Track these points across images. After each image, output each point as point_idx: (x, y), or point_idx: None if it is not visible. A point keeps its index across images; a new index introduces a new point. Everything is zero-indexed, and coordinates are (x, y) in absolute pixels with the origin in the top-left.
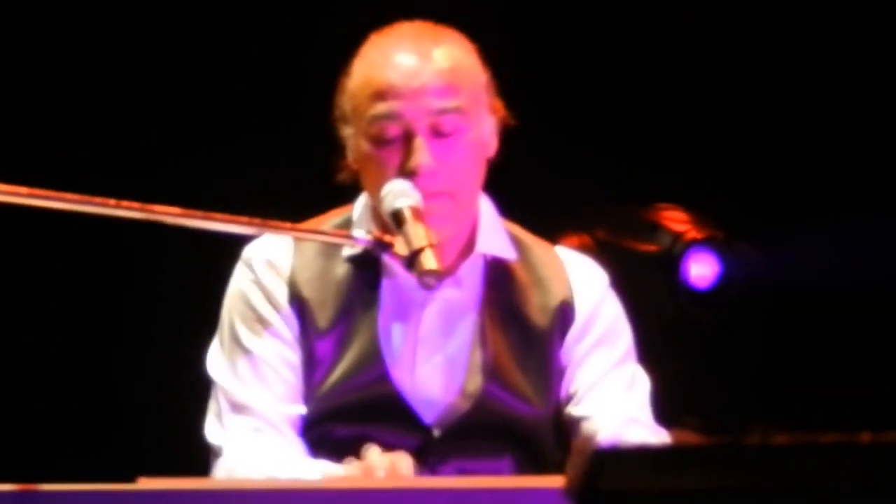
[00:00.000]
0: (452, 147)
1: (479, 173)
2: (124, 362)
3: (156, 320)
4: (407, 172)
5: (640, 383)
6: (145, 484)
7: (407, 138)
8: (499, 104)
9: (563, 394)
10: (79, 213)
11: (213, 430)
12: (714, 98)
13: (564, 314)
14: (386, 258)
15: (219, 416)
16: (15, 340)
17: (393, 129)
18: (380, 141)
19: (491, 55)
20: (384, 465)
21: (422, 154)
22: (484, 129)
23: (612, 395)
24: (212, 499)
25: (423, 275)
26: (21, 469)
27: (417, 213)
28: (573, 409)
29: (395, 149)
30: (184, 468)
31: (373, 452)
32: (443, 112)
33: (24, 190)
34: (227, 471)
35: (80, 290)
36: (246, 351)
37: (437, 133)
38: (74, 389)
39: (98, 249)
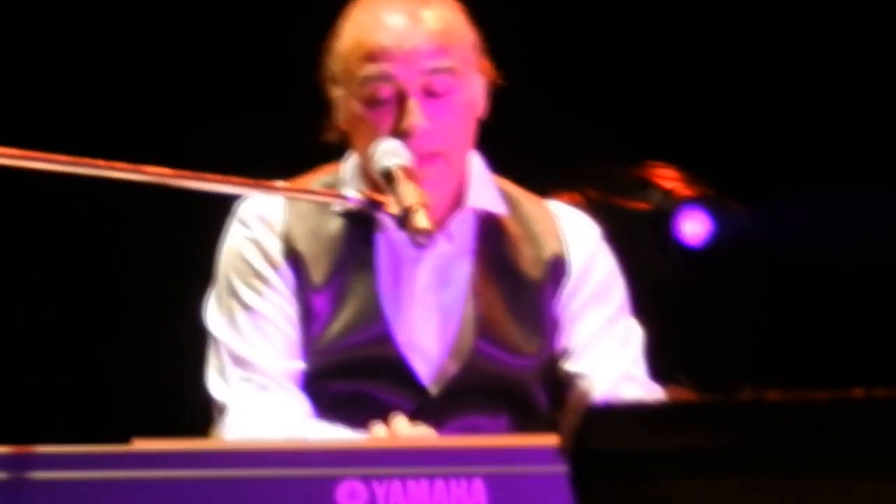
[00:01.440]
0: (444, 107)
1: (469, 133)
2: (117, 324)
3: (148, 282)
4: (401, 133)
5: (633, 338)
6: (140, 445)
7: (400, 100)
8: (487, 64)
9: (557, 348)
10: (69, 174)
11: (217, 385)
12: (706, 55)
13: (557, 268)
14: (379, 213)
15: (221, 371)
16: (8, 304)
17: (385, 91)
18: (372, 102)
19: (481, 15)
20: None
21: (415, 115)
22: (474, 88)
23: (606, 351)
24: (207, 460)
25: (414, 234)
26: (15, 431)
27: (408, 173)
28: (568, 366)
29: (388, 110)
30: (177, 429)
31: (400, 423)
32: (435, 72)
33: (15, 152)
34: (239, 431)
35: (73, 251)
36: (245, 307)
37: (429, 93)
38: (68, 351)
39: (89, 212)
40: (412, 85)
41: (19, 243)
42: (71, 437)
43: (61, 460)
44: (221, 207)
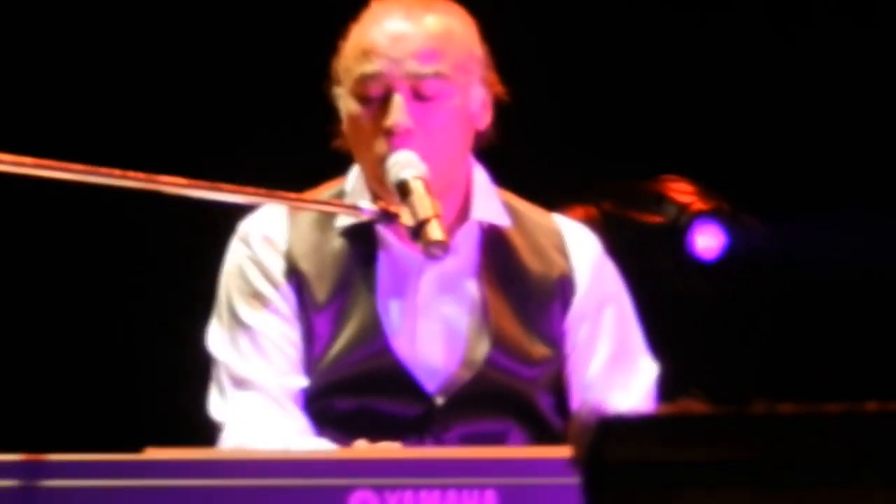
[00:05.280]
0: (433, 111)
1: (461, 141)
2: (131, 332)
3: (163, 291)
4: (384, 130)
5: (641, 377)
6: (153, 454)
7: (388, 98)
8: (493, 78)
9: (565, 364)
10: (85, 183)
11: (216, 406)
12: (720, 70)
13: (564, 286)
14: (381, 229)
15: (221, 392)
16: (22, 312)
17: (375, 89)
18: (363, 100)
19: (499, 29)
20: None
21: (399, 113)
22: (472, 99)
23: (609, 394)
24: (219, 469)
25: (428, 245)
26: (28, 439)
27: (423, 184)
28: (573, 398)
29: (377, 108)
30: (190, 438)
31: (360, 442)
32: (423, 76)
33: (29, 160)
34: (231, 446)
35: (87, 261)
36: (245, 326)
37: (418, 96)
38: (81, 359)
39: (105, 221)
40: (400, 84)
41: (34, 252)
42: (83, 444)
43: (73, 468)
44: (238, 217)
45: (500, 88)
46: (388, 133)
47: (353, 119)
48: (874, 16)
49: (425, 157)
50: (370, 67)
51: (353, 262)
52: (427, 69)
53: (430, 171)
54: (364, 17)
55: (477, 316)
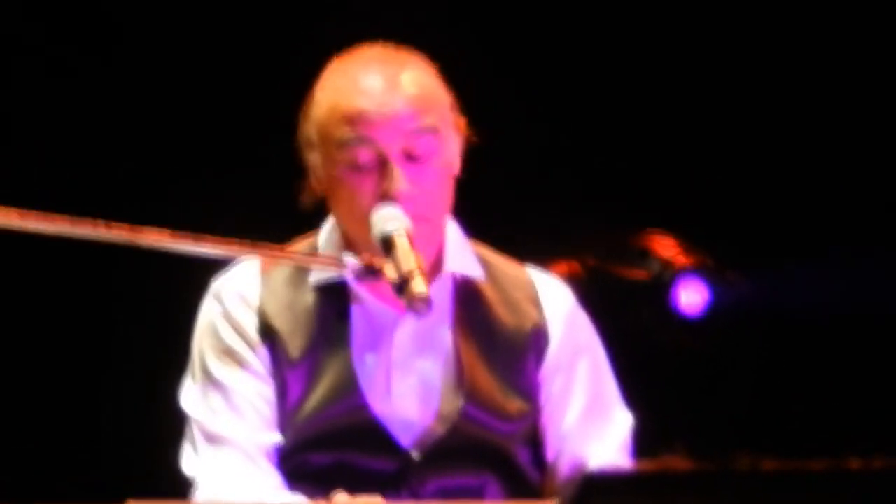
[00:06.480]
0: (425, 170)
1: (449, 194)
2: (114, 384)
3: (146, 344)
4: (380, 196)
5: (616, 428)
6: None
7: (381, 164)
8: (462, 122)
9: (540, 417)
10: (68, 237)
11: (190, 462)
12: (703, 125)
13: (538, 338)
14: (354, 285)
15: (195, 448)
16: (4, 364)
17: (365, 155)
18: (352, 167)
19: (480, 77)
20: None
21: (399, 180)
22: (452, 149)
23: (586, 445)
24: None
25: (412, 299)
26: (11, 491)
27: (408, 238)
28: (549, 450)
29: (369, 175)
30: (173, 492)
31: (340, 496)
32: (416, 133)
33: (13, 213)
34: (204, 502)
35: (66, 316)
36: (218, 384)
37: (409, 157)
38: (65, 411)
39: (88, 274)
40: (393, 149)
41: (12, 306)
42: (67, 497)
43: None
44: (215, 273)
45: (468, 132)
46: (386, 198)
47: (341, 186)
48: (854, 68)
49: (425, 218)
50: (357, 133)
51: (327, 318)
52: (418, 125)
53: (426, 227)
54: (332, 78)
55: (451, 369)
